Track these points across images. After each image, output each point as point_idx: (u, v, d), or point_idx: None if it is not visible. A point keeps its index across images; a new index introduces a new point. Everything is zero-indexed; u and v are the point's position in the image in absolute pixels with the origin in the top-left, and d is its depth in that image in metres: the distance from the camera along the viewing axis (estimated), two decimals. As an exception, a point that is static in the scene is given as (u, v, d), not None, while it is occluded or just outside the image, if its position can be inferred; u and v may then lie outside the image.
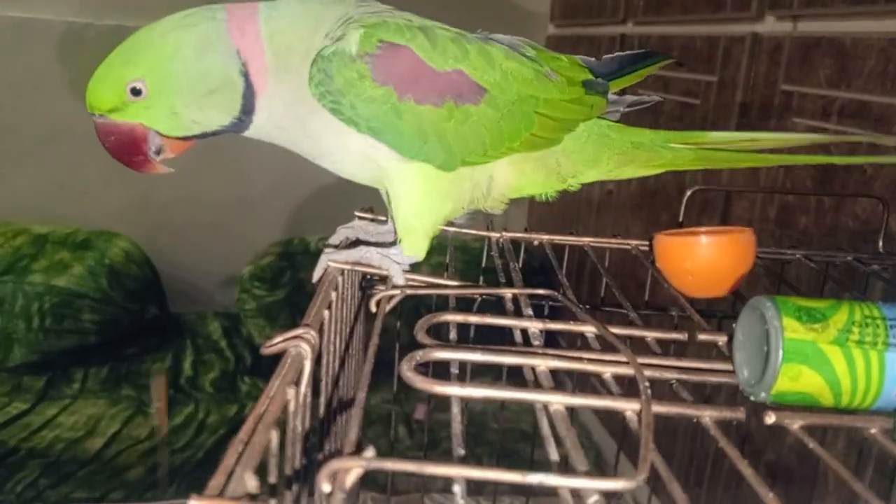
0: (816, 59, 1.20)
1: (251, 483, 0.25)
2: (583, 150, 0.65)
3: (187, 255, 2.31)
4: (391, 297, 0.50)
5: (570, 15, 2.19)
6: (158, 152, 0.58)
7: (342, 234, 0.67)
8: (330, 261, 0.56)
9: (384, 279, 0.57)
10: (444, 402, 0.33)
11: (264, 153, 2.38)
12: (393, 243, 0.61)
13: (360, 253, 0.58)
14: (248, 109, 0.57)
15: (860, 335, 0.36)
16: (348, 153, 0.58)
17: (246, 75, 0.56)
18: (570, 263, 0.65)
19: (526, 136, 0.60)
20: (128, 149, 0.58)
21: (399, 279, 0.56)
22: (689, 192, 0.67)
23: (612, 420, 1.81)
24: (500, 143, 0.59)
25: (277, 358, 0.39)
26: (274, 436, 0.30)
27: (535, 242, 0.66)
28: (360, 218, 0.68)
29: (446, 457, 0.32)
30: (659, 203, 1.67)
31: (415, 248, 0.59)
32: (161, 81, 0.55)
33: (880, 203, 0.66)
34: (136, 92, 0.55)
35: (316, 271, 0.56)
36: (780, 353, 0.36)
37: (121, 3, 2.11)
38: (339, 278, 0.53)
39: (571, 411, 0.34)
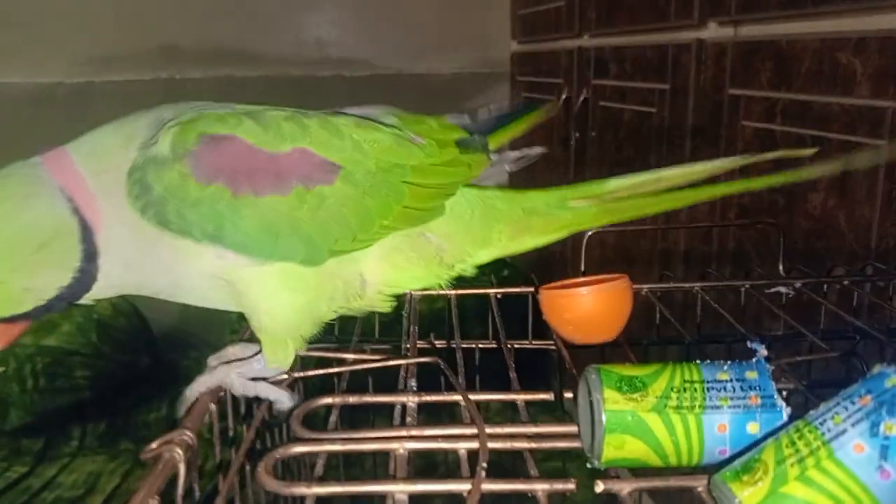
0: (758, 62, 1.21)
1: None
2: (468, 230, 0.58)
3: (176, 303, 2.33)
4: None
5: (529, 31, 2.20)
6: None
7: (228, 352, 0.61)
8: (187, 393, 0.52)
9: None
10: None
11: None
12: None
13: (218, 377, 0.53)
14: (89, 254, 0.48)
15: (678, 401, 0.38)
16: (194, 272, 0.51)
17: (77, 211, 0.47)
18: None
19: (398, 210, 0.53)
20: None
21: (283, 401, 0.51)
22: (585, 239, 0.67)
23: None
24: (369, 223, 0.52)
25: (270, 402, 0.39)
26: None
27: (448, 296, 0.65)
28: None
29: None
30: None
31: (279, 358, 0.53)
32: None
33: (775, 227, 0.67)
34: None
35: (181, 408, 0.52)
36: (603, 424, 0.37)
37: (86, 60, 2.14)
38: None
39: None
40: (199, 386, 0.53)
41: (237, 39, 2.24)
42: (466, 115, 0.63)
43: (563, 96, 1.84)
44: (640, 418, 0.37)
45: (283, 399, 0.52)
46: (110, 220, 0.48)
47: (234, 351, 0.60)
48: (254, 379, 0.55)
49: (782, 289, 0.62)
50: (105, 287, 0.50)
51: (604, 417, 0.37)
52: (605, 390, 0.38)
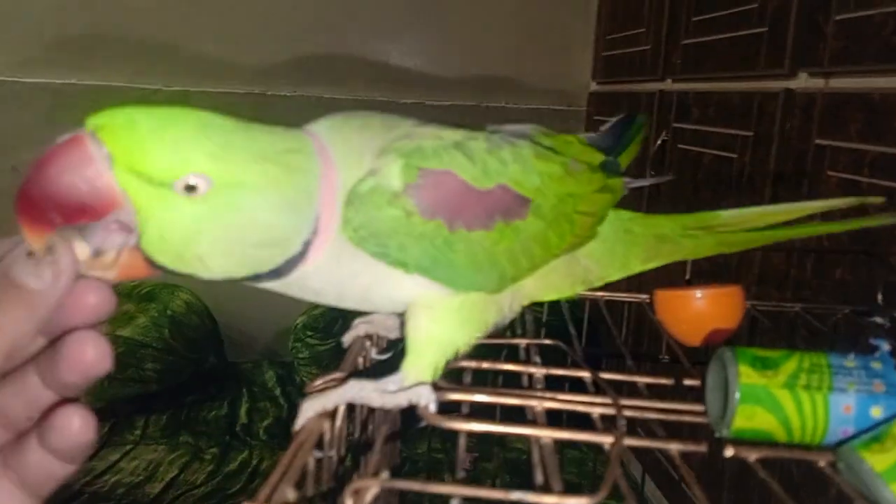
0: (848, 113, 1.23)
1: (291, 494, 0.31)
2: (612, 253, 0.59)
3: (244, 307, 2.41)
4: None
5: (611, 73, 2.25)
6: (102, 256, 0.40)
7: (360, 329, 0.62)
8: (310, 409, 0.45)
9: None
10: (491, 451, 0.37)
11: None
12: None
13: (352, 392, 0.47)
14: (276, 273, 0.47)
15: (807, 380, 0.41)
16: (390, 297, 0.51)
17: (307, 244, 0.46)
18: (598, 314, 0.68)
19: (570, 240, 0.55)
20: (64, 199, 0.38)
21: (426, 398, 0.46)
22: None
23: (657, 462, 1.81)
24: (549, 253, 0.54)
25: None
26: (311, 459, 0.35)
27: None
28: None
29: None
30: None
31: (419, 376, 0.49)
32: (225, 200, 0.42)
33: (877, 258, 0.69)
34: (189, 188, 0.41)
35: (297, 422, 0.44)
36: (737, 395, 0.41)
37: (186, 68, 2.26)
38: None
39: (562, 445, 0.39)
40: (327, 401, 0.46)
41: (328, 61, 2.34)
42: (593, 133, 0.63)
43: (663, 136, 1.87)
44: (771, 393, 0.41)
45: (425, 395, 0.47)
46: (326, 250, 0.47)
47: (379, 319, 0.62)
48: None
49: (879, 319, 0.64)
50: (292, 288, 0.50)
51: (738, 389, 0.40)
52: (740, 365, 0.41)
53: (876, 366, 0.41)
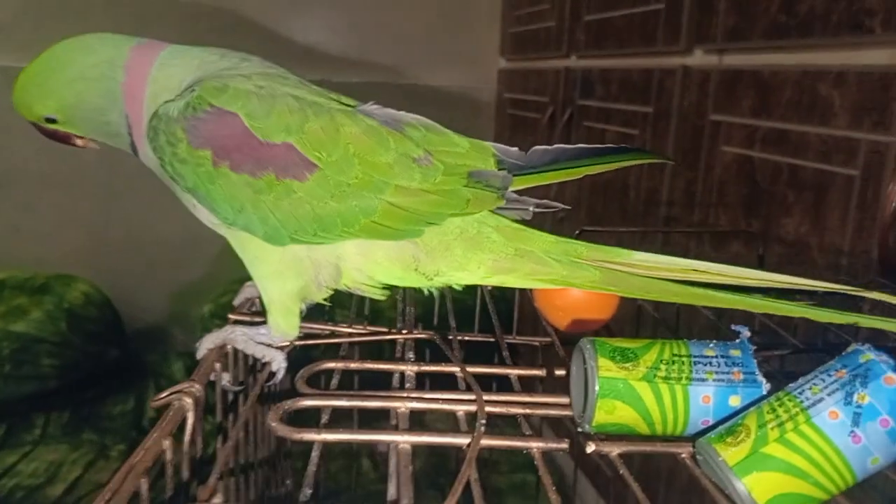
0: (740, 90, 1.25)
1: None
2: (447, 248, 0.58)
3: (147, 296, 2.32)
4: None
5: (518, 49, 2.25)
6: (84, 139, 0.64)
7: (247, 292, 0.67)
8: (197, 347, 0.58)
9: None
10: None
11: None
12: None
13: (224, 335, 0.58)
14: (135, 148, 0.61)
15: (667, 372, 0.40)
16: (193, 208, 0.60)
17: (128, 124, 0.59)
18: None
19: (365, 223, 0.56)
20: (58, 140, 0.64)
21: (277, 363, 0.55)
22: (576, 233, 0.69)
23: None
24: (331, 226, 0.56)
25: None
26: (143, 483, 0.32)
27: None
28: None
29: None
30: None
31: (278, 324, 0.57)
32: (70, 119, 0.61)
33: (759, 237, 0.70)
34: (50, 120, 0.61)
35: (199, 354, 0.58)
36: (596, 389, 0.40)
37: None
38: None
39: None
40: (208, 341, 0.58)
41: (232, 37, 2.25)
42: (517, 149, 0.60)
43: (549, 112, 1.88)
44: (630, 386, 0.40)
45: (278, 360, 0.56)
46: (140, 139, 0.59)
47: (251, 290, 0.68)
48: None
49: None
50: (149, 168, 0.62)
51: (597, 383, 0.39)
52: (599, 359, 0.40)
53: (735, 353, 0.41)
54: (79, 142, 0.64)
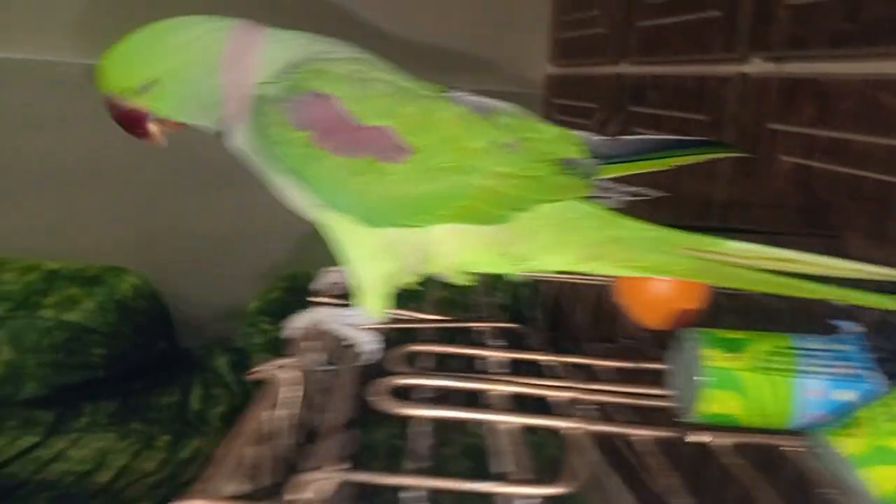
0: (800, 98, 1.24)
1: (229, 489, 0.29)
2: (537, 233, 0.59)
3: (196, 290, 2.36)
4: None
5: (567, 55, 2.25)
6: (159, 124, 0.64)
7: (329, 277, 0.69)
8: (285, 328, 0.59)
9: None
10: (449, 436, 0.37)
11: (269, 189, 2.43)
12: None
13: (314, 316, 0.60)
14: (227, 126, 0.62)
15: (772, 364, 0.40)
16: (290, 193, 0.61)
17: (223, 96, 0.60)
18: (567, 297, 0.67)
19: (457, 206, 0.57)
20: (129, 124, 0.64)
21: (366, 345, 0.56)
22: None
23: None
24: (424, 208, 0.57)
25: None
26: (250, 450, 0.33)
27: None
28: None
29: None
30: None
31: (368, 307, 0.58)
32: (165, 87, 0.61)
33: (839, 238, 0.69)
34: (145, 88, 0.61)
35: (287, 333, 0.59)
36: (701, 378, 0.40)
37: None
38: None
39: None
40: (298, 321, 0.60)
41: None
42: (602, 137, 0.61)
43: (598, 118, 1.88)
44: (736, 376, 0.40)
45: (367, 342, 0.57)
46: (244, 115, 0.60)
47: (330, 275, 0.70)
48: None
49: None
50: (238, 153, 0.63)
51: (702, 373, 0.40)
52: (704, 349, 0.41)
53: (839, 347, 0.41)
54: (151, 126, 0.64)
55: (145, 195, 2.32)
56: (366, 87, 0.56)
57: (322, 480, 0.30)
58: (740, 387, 0.40)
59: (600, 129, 1.87)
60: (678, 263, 0.57)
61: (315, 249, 2.41)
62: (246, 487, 0.34)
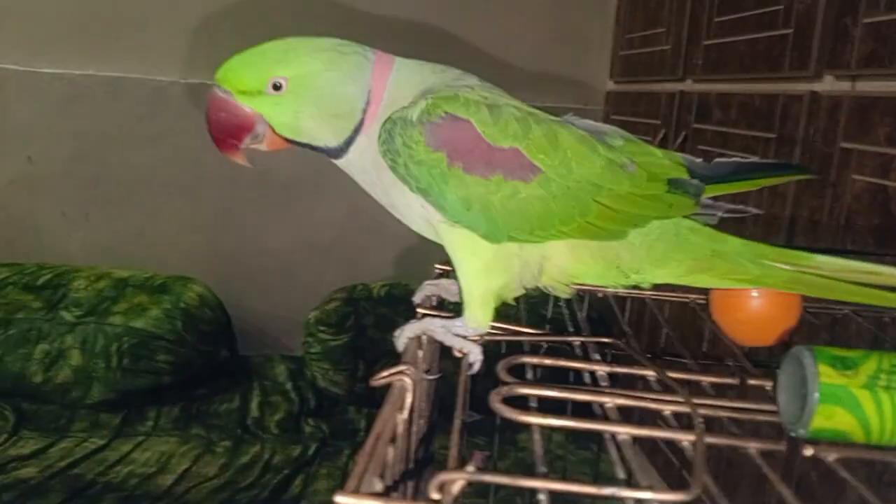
0: (875, 117, 1.23)
1: (378, 485, 0.31)
2: (650, 248, 0.63)
3: (257, 300, 2.41)
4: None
5: (629, 72, 2.25)
6: (253, 140, 0.63)
7: (427, 290, 0.70)
8: (395, 337, 0.61)
9: None
10: (504, 452, 0.38)
11: (330, 203, 2.49)
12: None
13: (423, 326, 0.61)
14: (350, 141, 0.62)
15: (887, 381, 0.41)
16: (408, 208, 0.63)
17: (364, 112, 0.62)
18: (631, 314, 0.68)
19: (580, 223, 0.60)
20: (230, 129, 0.62)
21: (475, 355, 0.58)
22: None
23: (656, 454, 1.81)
24: (549, 225, 0.60)
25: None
26: (390, 450, 0.35)
27: (599, 294, 0.70)
28: (440, 274, 0.72)
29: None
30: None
31: (475, 317, 0.61)
32: (302, 87, 0.61)
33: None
34: (276, 87, 0.60)
35: (399, 344, 0.60)
36: (816, 395, 0.41)
37: (203, 62, 2.26)
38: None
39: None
40: (408, 331, 0.61)
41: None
42: (701, 160, 0.66)
43: (661, 135, 1.87)
44: (850, 393, 0.40)
45: (475, 352, 0.59)
46: (371, 133, 0.61)
47: (446, 283, 0.71)
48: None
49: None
50: (347, 168, 0.64)
51: (818, 389, 0.40)
52: (819, 365, 0.41)
53: (954, 367, 0.41)
54: (248, 139, 0.63)
55: (214, 209, 2.39)
56: (496, 112, 0.59)
57: (455, 481, 0.31)
58: (855, 403, 0.40)
59: (660, 145, 1.87)
60: (774, 276, 0.62)
61: (372, 264, 2.45)
62: (388, 485, 0.35)
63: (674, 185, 0.62)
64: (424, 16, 2.35)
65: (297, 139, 0.63)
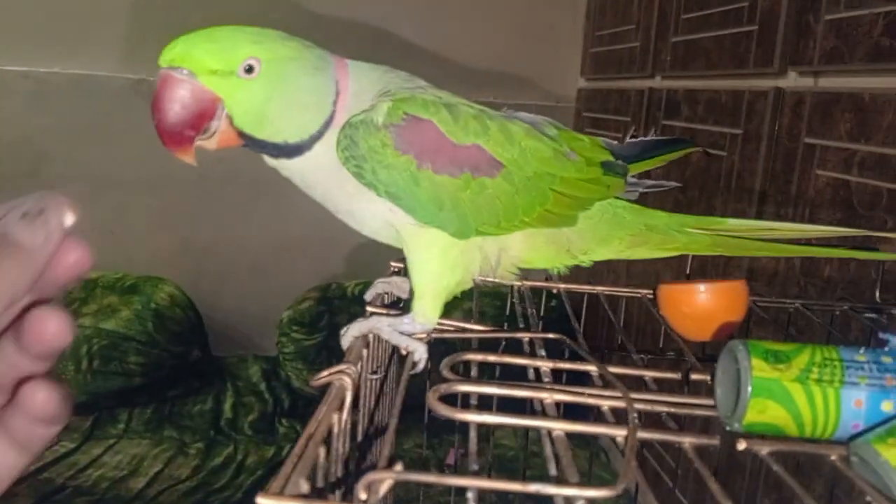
0: (837, 113, 1.24)
1: (304, 486, 0.30)
2: (595, 229, 0.67)
3: (229, 300, 2.39)
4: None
5: (600, 69, 2.26)
6: (202, 135, 0.56)
7: (379, 287, 0.71)
8: (342, 336, 0.60)
9: None
10: (480, 450, 0.38)
11: (304, 199, 2.47)
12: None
13: (370, 325, 0.60)
14: (315, 138, 0.58)
15: (819, 374, 0.41)
16: (369, 214, 0.62)
17: (334, 105, 0.59)
18: (592, 309, 0.69)
19: (540, 212, 0.63)
20: (188, 118, 0.55)
21: (419, 353, 0.59)
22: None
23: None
24: (514, 216, 0.62)
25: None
26: (321, 451, 0.35)
27: (555, 290, 0.71)
28: (394, 272, 0.73)
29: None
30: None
31: (426, 314, 0.61)
32: (275, 73, 0.56)
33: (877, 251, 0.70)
34: (248, 69, 0.55)
35: (344, 343, 0.59)
36: (749, 389, 0.41)
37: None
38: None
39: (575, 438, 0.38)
40: (354, 330, 0.61)
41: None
42: (616, 141, 0.71)
43: (631, 132, 1.88)
44: (783, 386, 0.41)
45: (420, 351, 0.60)
46: (333, 134, 0.59)
47: (397, 281, 0.72)
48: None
49: (874, 315, 0.65)
50: (299, 172, 0.61)
51: (751, 383, 0.41)
52: (752, 359, 0.41)
53: (887, 360, 0.41)
54: (206, 138, 0.56)
55: (183, 208, 2.36)
56: (454, 111, 0.60)
57: (383, 480, 0.31)
58: (787, 397, 0.41)
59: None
60: (698, 241, 0.68)
61: (345, 262, 2.43)
62: (317, 486, 0.35)
63: (606, 167, 0.66)
64: (394, 12, 2.34)
65: (256, 134, 0.57)
